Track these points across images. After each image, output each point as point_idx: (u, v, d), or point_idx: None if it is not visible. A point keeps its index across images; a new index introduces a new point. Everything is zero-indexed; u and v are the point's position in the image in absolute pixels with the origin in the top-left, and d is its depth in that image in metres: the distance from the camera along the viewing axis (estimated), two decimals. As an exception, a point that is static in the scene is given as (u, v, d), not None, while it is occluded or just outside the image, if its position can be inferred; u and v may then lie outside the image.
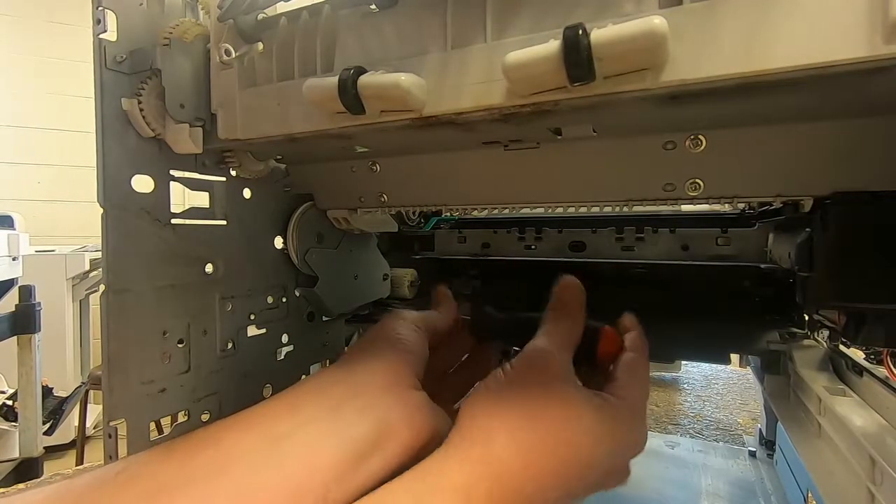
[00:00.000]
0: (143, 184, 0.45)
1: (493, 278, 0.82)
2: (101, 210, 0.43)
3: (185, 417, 0.50)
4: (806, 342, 0.60)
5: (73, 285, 2.61)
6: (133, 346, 0.45)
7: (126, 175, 0.44)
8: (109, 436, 0.43)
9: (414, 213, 0.78)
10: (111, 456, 0.43)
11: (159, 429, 0.48)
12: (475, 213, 0.82)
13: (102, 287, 0.43)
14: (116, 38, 0.42)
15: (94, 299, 2.86)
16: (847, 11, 0.26)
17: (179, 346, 0.49)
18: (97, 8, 0.41)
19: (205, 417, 0.52)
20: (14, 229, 2.20)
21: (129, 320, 0.44)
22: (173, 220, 0.48)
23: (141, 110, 0.42)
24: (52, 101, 3.05)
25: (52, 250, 2.57)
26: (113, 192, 0.43)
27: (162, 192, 0.47)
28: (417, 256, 0.87)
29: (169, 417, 0.48)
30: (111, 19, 0.41)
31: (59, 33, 3.06)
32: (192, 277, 0.50)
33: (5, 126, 2.96)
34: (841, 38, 0.26)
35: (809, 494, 0.64)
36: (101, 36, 0.41)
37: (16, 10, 2.98)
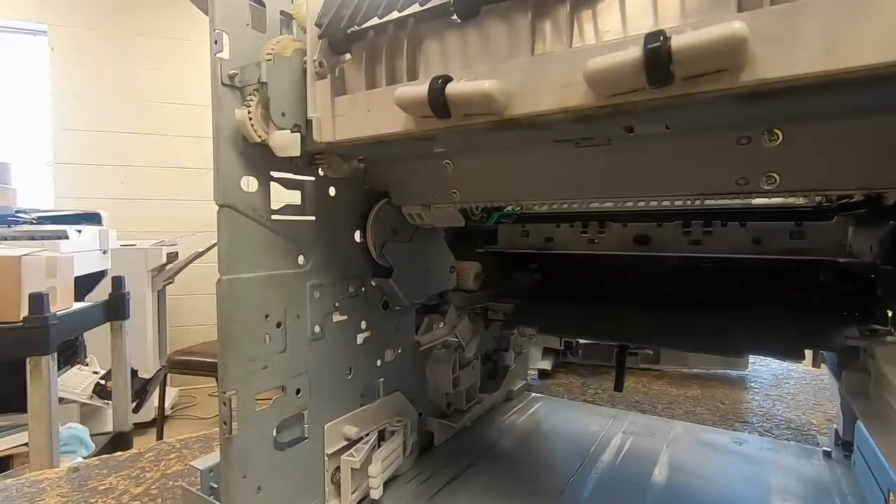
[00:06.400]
0: (249, 184, 0.51)
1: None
2: (217, 207, 0.49)
3: (282, 392, 0.56)
4: (889, 338, 0.58)
5: (152, 277, 2.85)
6: (242, 326, 0.51)
7: (236, 177, 0.50)
8: (224, 404, 0.49)
9: (476, 208, 0.81)
10: (225, 422, 0.49)
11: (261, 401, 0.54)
12: (536, 207, 0.84)
13: (218, 275, 0.49)
14: (229, 57, 0.48)
15: (171, 290, 3.10)
16: (935, 7, 0.27)
17: (278, 328, 0.54)
18: (214, 30, 0.46)
19: (297, 394, 0.58)
20: (102, 225, 2.44)
21: (238, 304, 0.50)
22: (272, 217, 0.54)
23: (249, 119, 0.48)
24: (129, 106, 3.31)
25: (134, 244, 2.82)
26: (226, 192, 0.49)
27: (264, 191, 0.53)
28: (481, 250, 0.91)
29: (269, 391, 0.54)
30: (225, 40, 0.47)
31: (137, 44, 3.32)
32: (288, 267, 0.56)
33: (93, 131, 3.24)
34: (928, 33, 0.27)
35: (891, 495, 0.62)
36: (218, 55, 0.47)
37: (101, 23, 3.26)
